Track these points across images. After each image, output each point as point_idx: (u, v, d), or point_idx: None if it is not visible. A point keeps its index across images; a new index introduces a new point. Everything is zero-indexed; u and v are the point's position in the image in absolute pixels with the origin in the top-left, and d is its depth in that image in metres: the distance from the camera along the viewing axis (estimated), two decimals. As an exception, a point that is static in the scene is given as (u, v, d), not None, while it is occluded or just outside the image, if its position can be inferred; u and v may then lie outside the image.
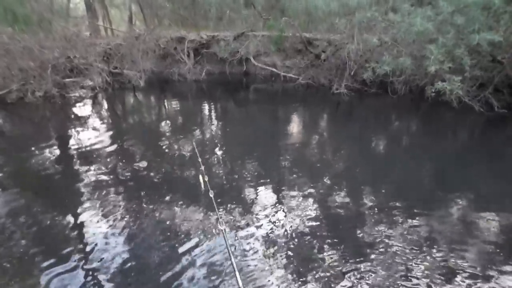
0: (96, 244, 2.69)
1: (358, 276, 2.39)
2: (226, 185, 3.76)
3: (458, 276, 2.41)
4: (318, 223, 3.03)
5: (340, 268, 2.47)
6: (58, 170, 4.04)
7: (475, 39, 5.77)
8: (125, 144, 5.03)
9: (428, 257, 2.59)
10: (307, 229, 2.93)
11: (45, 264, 2.47)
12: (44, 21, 8.87)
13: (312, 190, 3.62)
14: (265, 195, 3.54)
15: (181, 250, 2.64)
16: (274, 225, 2.99)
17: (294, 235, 2.85)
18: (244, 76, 10.95)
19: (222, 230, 1.66)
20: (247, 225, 2.98)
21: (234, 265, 1.42)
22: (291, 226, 2.97)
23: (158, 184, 3.71)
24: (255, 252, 2.63)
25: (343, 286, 2.30)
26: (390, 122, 7.01)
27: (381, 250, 2.67)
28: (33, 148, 4.65)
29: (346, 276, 2.39)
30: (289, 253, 2.64)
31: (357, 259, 2.56)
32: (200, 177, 2.11)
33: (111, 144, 4.94)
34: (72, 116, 6.56)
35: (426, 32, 6.44)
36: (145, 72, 9.02)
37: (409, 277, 2.38)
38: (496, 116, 6.44)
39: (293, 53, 10.79)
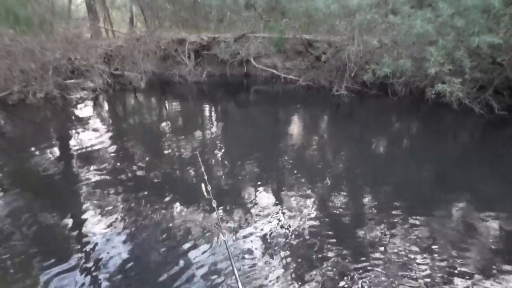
0: (96, 245, 2.70)
1: (358, 277, 2.39)
2: (226, 186, 3.77)
3: (458, 277, 2.41)
4: (318, 224, 3.04)
5: (340, 269, 2.47)
6: (59, 171, 4.05)
7: (475, 41, 5.79)
8: (126, 145, 5.04)
9: (428, 258, 2.59)
10: (307, 230, 2.93)
11: (45, 264, 2.47)
12: (46, 22, 8.90)
13: (312, 191, 3.63)
14: (265, 196, 3.55)
15: (181, 251, 2.65)
16: (275, 226, 2.99)
17: (294, 236, 2.86)
18: (245, 77, 10.97)
19: (222, 233, 1.67)
20: (248, 226, 2.98)
21: (234, 265, 1.42)
22: (291, 227, 2.97)
23: (158, 185, 3.72)
24: (256, 253, 2.64)
25: (343, 287, 2.31)
26: (390, 124, 7.02)
27: (382, 251, 2.67)
28: (34, 149, 4.66)
29: (346, 277, 2.39)
30: (289, 254, 2.64)
31: (357, 260, 2.56)
32: (203, 185, 2.12)
33: (112, 145, 4.95)
34: (73, 117, 6.58)
35: (426, 34, 6.46)
36: (146, 73, 9.04)
37: (410, 278, 2.39)
38: (496, 118, 6.45)
39: (293, 54, 10.81)
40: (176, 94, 9.41)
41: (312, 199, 3.48)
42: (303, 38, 10.15)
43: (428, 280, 2.37)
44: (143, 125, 6.51)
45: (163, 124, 6.46)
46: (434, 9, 6.88)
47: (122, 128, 6.20)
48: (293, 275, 2.41)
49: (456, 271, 2.47)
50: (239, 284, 1.29)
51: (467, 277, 2.42)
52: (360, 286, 2.31)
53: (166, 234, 2.86)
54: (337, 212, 3.27)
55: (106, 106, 7.80)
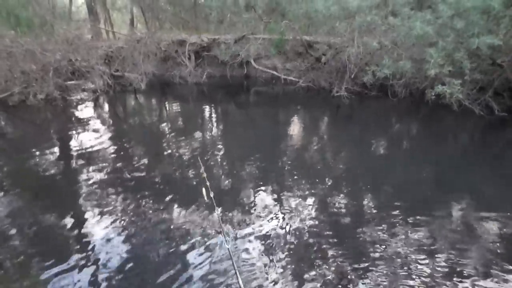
0: (96, 245, 2.70)
1: (359, 278, 2.39)
2: (226, 187, 3.77)
3: (458, 278, 2.41)
4: (319, 225, 3.04)
5: (341, 270, 2.47)
6: (59, 172, 4.05)
7: (475, 42, 5.80)
8: (126, 146, 5.05)
9: (428, 259, 2.59)
10: (308, 231, 2.93)
11: (45, 264, 2.48)
12: (47, 24, 8.95)
13: (312, 192, 3.63)
14: (266, 197, 3.55)
15: (181, 251, 2.65)
16: (275, 227, 2.99)
17: (295, 236, 2.86)
18: (245, 79, 10.99)
19: (224, 233, 1.68)
20: (248, 227, 2.98)
21: (235, 266, 1.43)
22: (292, 228, 2.97)
23: (158, 186, 3.72)
24: (256, 254, 2.64)
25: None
26: (391, 125, 7.02)
27: (382, 252, 2.67)
28: (34, 150, 4.67)
29: (346, 277, 2.39)
30: (290, 254, 2.64)
31: (358, 261, 2.56)
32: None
33: (112, 146, 4.96)
34: (74, 118, 6.59)
35: (426, 35, 6.48)
36: (146, 74, 9.06)
37: (410, 279, 2.38)
38: (497, 119, 6.45)
39: (293, 56, 10.83)
40: (176, 95, 9.43)
41: (312, 200, 3.48)
42: (303, 39, 10.17)
43: (428, 280, 2.37)
44: (143, 126, 6.52)
45: (163, 125, 6.47)
46: (433, 10, 6.90)
47: (122, 129, 6.21)
48: (294, 276, 2.41)
49: (456, 272, 2.47)
50: (241, 283, 1.29)
51: (467, 278, 2.42)
52: (360, 286, 2.31)
53: (166, 234, 2.86)
54: (338, 213, 3.27)
55: (106, 107, 7.81)
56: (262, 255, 2.64)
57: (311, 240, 2.83)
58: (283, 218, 3.15)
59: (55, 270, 2.43)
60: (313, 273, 2.44)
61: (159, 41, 10.04)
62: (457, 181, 4.08)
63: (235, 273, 1.36)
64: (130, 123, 6.78)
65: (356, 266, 2.52)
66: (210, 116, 7.40)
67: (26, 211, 3.19)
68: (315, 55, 10.08)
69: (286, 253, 2.67)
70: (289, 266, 2.52)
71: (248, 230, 2.94)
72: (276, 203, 3.44)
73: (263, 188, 3.75)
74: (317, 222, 3.09)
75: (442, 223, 3.11)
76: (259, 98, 9.43)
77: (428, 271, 2.48)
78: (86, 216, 3.13)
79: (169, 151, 4.91)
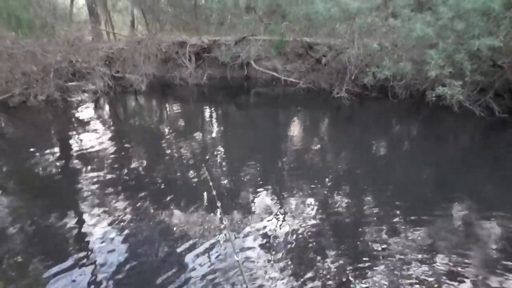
0: (97, 246, 2.70)
1: (360, 279, 2.38)
2: (227, 188, 3.76)
3: (460, 279, 2.40)
4: (320, 226, 3.03)
5: (342, 270, 2.46)
6: (60, 173, 4.05)
7: (475, 44, 5.80)
8: (127, 147, 5.05)
9: (429, 261, 2.58)
10: (309, 232, 2.92)
11: (45, 265, 2.47)
12: (47, 25, 8.98)
13: (313, 194, 3.62)
14: (266, 198, 3.54)
15: (182, 252, 2.64)
16: (275, 229, 2.98)
17: (295, 237, 2.85)
18: (245, 80, 11.00)
19: (228, 235, 1.67)
20: (248, 228, 2.97)
21: (241, 267, 1.42)
22: (292, 229, 2.97)
23: (159, 188, 3.72)
24: (256, 256, 2.63)
25: (345, 291, 2.29)
26: (391, 127, 7.02)
27: (383, 252, 2.66)
28: (35, 151, 4.67)
29: (347, 278, 2.39)
30: (291, 255, 2.64)
31: (359, 262, 2.55)
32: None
33: (113, 147, 4.96)
34: (74, 119, 6.59)
35: (426, 37, 6.48)
36: (147, 76, 9.08)
37: (411, 280, 2.37)
38: (497, 120, 6.44)
39: (294, 57, 10.85)
40: (177, 96, 9.43)
41: (313, 201, 3.47)
42: (303, 41, 10.19)
43: (429, 281, 2.36)
44: (144, 127, 6.52)
45: (164, 126, 6.47)
46: (434, 12, 6.92)
47: (122, 130, 6.21)
48: (295, 276, 2.40)
49: (457, 273, 2.46)
50: (247, 282, 1.29)
51: (468, 279, 2.41)
52: (361, 287, 2.30)
53: (168, 236, 2.85)
54: (338, 214, 3.26)
55: (107, 108, 7.82)
56: (263, 255, 2.63)
57: (312, 241, 2.82)
58: (284, 219, 3.14)
59: (55, 270, 2.42)
60: (314, 273, 2.44)
61: (159, 42, 10.06)
62: (458, 182, 4.07)
63: (241, 274, 1.35)
64: (131, 124, 6.78)
65: (357, 267, 2.51)
66: (211, 117, 7.40)
67: (26, 212, 3.19)
68: (315, 56, 10.09)
69: (287, 253, 2.66)
70: (290, 266, 2.52)
71: (248, 231, 2.94)
72: (276, 204, 3.44)
73: (263, 189, 3.74)
74: (318, 223, 3.08)
75: (442, 224, 3.10)
76: (260, 99, 9.43)
77: (429, 272, 2.47)
78: (86, 216, 3.13)
79: (170, 152, 4.91)
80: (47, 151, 4.74)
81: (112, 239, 2.80)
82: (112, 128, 6.23)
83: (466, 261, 2.61)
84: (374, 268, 2.51)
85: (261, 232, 2.93)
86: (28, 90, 7.14)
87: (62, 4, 14.71)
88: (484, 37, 5.83)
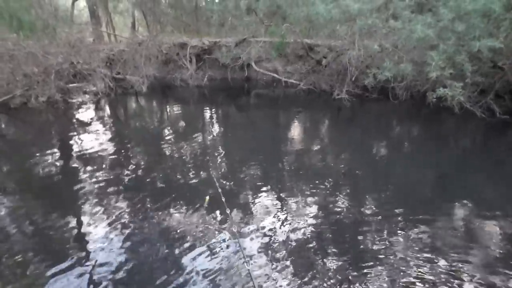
0: (97, 248, 2.69)
1: (360, 280, 2.37)
2: (227, 189, 3.75)
3: (460, 281, 2.39)
4: (320, 228, 3.02)
5: (343, 273, 2.45)
6: (60, 175, 4.05)
7: (476, 45, 5.80)
8: (128, 149, 5.05)
9: (429, 262, 2.57)
10: (309, 235, 2.92)
11: (46, 266, 2.47)
12: (49, 27, 9.00)
13: (314, 196, 3.61)
14: (267, 200, 3.53)
15: (183, 254, 2.64)
16: (276, 230, 2.97)
17: (297, 239, 2.84)
18: (246, 81, 11.02)
19: (236, 236, 1.67)
20: (250, 229, 2.97)
21: (250, 269, 1.41)
22: (294, 231, 2.96)
23: (160, 189, 3.71)
24: (257, 256, 2.62)
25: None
26: (392, 128, 7.01)
27: (384, 255, 2.65)
28: (35, 153, 4.67)
29: (348, 280, 2.38)
30: (292, 256, 2.63)
31: (360, 266, 2.54)
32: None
33: (114, 149, 4.96)
34: (75, 121, 6.60)
35: (426, 38, 6.49)
36: (148, 77, 9.09)
37: (411, 282, 2.37)
38: (498, 122, 6.43)
39: (294, 59, 10.87)
40: (178, 98, 9.45)
41: (314, 203, 3.46)
42: (304, 42, 10.21)
43: (430, 283, 2.35)
44: (145, 129, 6.53)
45: (165, 127, 6.48)
46: (434, 14, 6.92)
47: (123, 132, 6.21)
48: (296, 277, 2.40)
49: (457, 275, 2.45)
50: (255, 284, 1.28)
51: (469, 281, 2.40)
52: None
53: (169, 238, 2.84)
54: (339, 216, 3.25)
55: (107, 110, 7.83)
56: (263, 256, 2.62)
57: (313, 242, 2.81)
58: (285, 220, 3.13)
59: (55, 270, 2.42)
60: (315, 274, 2.43)
61: (160, 44, 10.09)
62: (458, 183, 4.06)
63: (249, 274, 1.34)
64: (131, 125, 6.78)
65: (358, 267, 2.50)
66: (211, 119, 7.41)
67: (26, 212, 3.19)
68: (316, 58, 10.10)
69: (288, 254, 2.65)
70: (292, 267, 2.51)
71: (250, 231, 2.93)
72: (277, 207, 3.43)
73: (264, 191, 3.73)
74: (318, 224, 3.07)
75: (443, 225, 3.09)
76: (260, 100, 9.44)
77: (430, 272, 2.46)
78: (86, 217, 3.12)
79: (170, 153, 4.90)
80: (48, 152, 4.74)
81: (112, 239, 2.79)
82: (113, 129, 6.23)
83: (467, 262, 2.60)
84: (376, 269, 2.50)
85: (263, 233, 2.92)
86: (29, 92, 7.16)
87: (63, 6, 14.76)
88: (484, 39, 5.83)
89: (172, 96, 9.67)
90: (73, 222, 3.06)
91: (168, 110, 8.15)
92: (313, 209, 3.36)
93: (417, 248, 2.75)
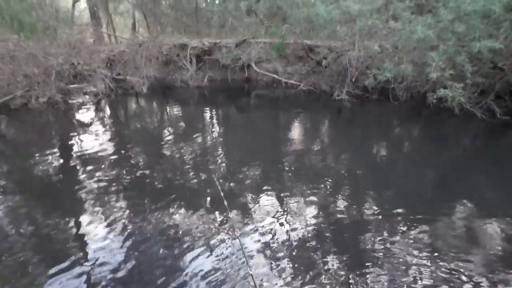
0: (97, 249, 2.68)
1: (360, 281, 2.37)
2: (228, 190, 3.75)
3: (461, 282, 2.38)
4: (320, 229, 3.01)
5: (343, 274, 2.44)
6: (61, 176, 4.05)
7: (476, 46, 5.80)
8: (128, 150, 5.04)
9: (430, 264, 2.56)
10: (310, 235, 2.91)
11: (46, 269, 2.46)
12: (49, 28, 9.02)
13: (314, 197, 3.61)
14: (267, 201, 3.53)
15: (184, 255, 2.64)
16: (276, 231, 2.97)
17: (297, 241, 2.84)
18: (246, 82, 11.02)
19: (236, 236, 1.67)
20: (249, 230, 2.96)
21: (250, 269, 1.41)
22: (294, 232, 2.95)
23: (161, 191, 3.71)
24: (257, 258, 2.61)
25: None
26: (392, 129, 7.01)
27: (384, 256, 2.64)
28: (36, 154, 4.67)
29: (348, 281, 2.37)
30: (292, 259, 2.62)
31: (360, 266, 2.54)
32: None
33: (114, 150, 4.96)
34: (75, 122, 6.60)
35: (427, 39, 6.49)
36: (148, 78, 9.10)
37: (412, 283, 2.36)
38: (498, 122, 6.43)
39: (294, 59, 10.87)
40: (178, 98, 9.45)
41: (314, 204, 3.46)
42: (304, 43, 10.21)
43: (430, 284, 2.35)
44: (145, 129, 6.53)
45: (165, 128, 6.48)
46: (434, 14, 6.93)
47: (123, 133, 6.21)
48: (295, 278, 2.39)
49: (458, 276, 2.44)
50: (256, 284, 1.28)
51: (469, 282, 2.39)
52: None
53: (169, 240, 2.84)
54: (339, 217, 3.25)
55: (108, 110, 7.83)
56: (263, 256, 2.62)
57: (314, 242, 2.81)
58: (285, 221, 3.13)
59: (55, 270, 2.42)
60: (315, 274, 2.43)
61: (160, 45, 10.10)
62: (459, 184, 4.05)
63: (251, 275, 1.34)
64: (132, 126, 6.78)
65: (357, 268, 2.50)
66: (211, 119, 7.41)
67: (26, 212, 3.18)
68: (316, 58, 10.11)
69: (288, 254, 2.65)
70: (290, 267, 2.50)
71: (249, 232, 2.92)
72: (277, 207, 3.42)
73: (264, 192, 3.73)
74: (319, 225, 3.06)
75: (443, 226, 3.09)
76: (260, 101, 9.44)
77: (430, 273, 2.46)
78: (87, 217, 3.12)
79: (170, 154, 4.90)
80: (48, 152, 4.74)
81: (112, 239, 2.79)
82: (113, 130, 6.23)
83: (467, 262, 2.59)
84: (376, 268, 2.50)
85: (263, 233, 2.92)
86: (29, 92, 7.17)
87: (64, 7, 14.80)
88: (484, 39, 5.83)
89: (172, 97, 9.68)
90: (73, 222, 3.05)
91: (168, 111, 8.15)
92: (313, 210, 3.35)
93: (417, 248, 2.74)
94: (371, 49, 7.55)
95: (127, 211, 3.24)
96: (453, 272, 2.49)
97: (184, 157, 4.72)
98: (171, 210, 3.29)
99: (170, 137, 5.80)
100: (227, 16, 13.56)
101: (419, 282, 2.39)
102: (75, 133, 5.80)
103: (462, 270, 2.52)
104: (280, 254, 2.67)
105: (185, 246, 2.74)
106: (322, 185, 3.89)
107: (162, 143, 5.48)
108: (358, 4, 7.79)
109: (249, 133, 6.48)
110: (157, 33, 12.07)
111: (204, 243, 2.77)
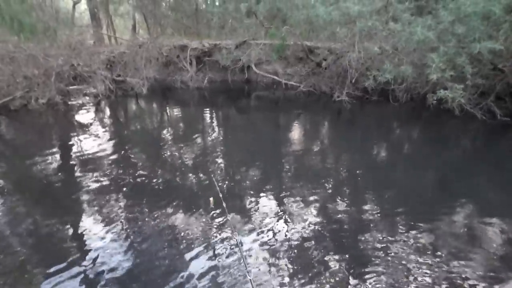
0: (98, 249, 2.67)
1: (360, 281, 2.35)
2: (228, 191, 3.73)
3: (460, 282, 2.37)
4: (321, 230, 3.00)
5: (343, 275, 2.43)
6: (60, 177, 4.03)
7: (476, 47, 5.81)
8: (128, 151, 5.03)
9: (430, 265, 2.55)
10: (309, 236, 2.90)
11: (45, 269, 2.45)
12: (50, 30, 9.02)
13: (314, 198, 3.59)
14: (267, 202, 3.52)
15: (184, 255, 2.62)
16: (277, 232, 2.96)
17: (296, 242, 2.82)
18: (246, 83, 11.03)
19: (236, 236, 1.66)
20: (248, 230, 2.95)
21: (249, 270, 1.40)
22: (294, 233, 2.94)
23: (160, 191, 3.69)
24: (257, 258, 2.60)
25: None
26: (392, 130, 7.00)
27: (384, 258, 2.63)
28: (35, 155, 4.66)
29: (348, 281, 2.35)
30: (292, 260, 2.61)
31: (360, 267, 2.53)
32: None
33: (114, 151, 4.95)
34: (75, 123, 6.59)
35: (427, 40, 6.50)
36: (148, 79, 9.10)
37: (412, 284, 2.34)
38: (499, 124, 6.42)
39: (294, 61, 10.88)
40: (178, 100, 9.45)
41: (314, 205, 3.44)
42: (304, 44, 10.22)
43: (430, 284, 2.33)
44: (145, 131, 6.52)
45: (165, 130, 6.47)
46: (434, 16, 6.94)
47: (123, 134, 6.20)
48: (295, 278, 2.38)
49: (458, 278, 2.43)
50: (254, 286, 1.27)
51: (470, 283, 2.38)
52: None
53: (169, 241, 2.83)
54: (339, 217, 3.23)
55: (108, 112, 7.83)
56: (263, 257, 2.60)
57: (313, 242, 2.80)
58: (285, 221, 3.11)
59: (56, 277, 2.39)
60: (315, 274, 2.42)
61: (160, 46, 10.11)
62: (459, 185, 4.04)
63: (247, 276, 1.33)
64: (132, 127, 6.78)
65: (357, 268, 2.49)
66: (211, 121, 7.40)
67: (26, 215, 3.17)
68: (316, 60, 10.12)
69: (288, 254, 2.64)
70: (290, 267, 2.49)
71: (249, 232, 2.91)
72: (277, 208, 3.41)
73: (264, 193, 3.72)
74: (319, 226, 3.05)
75: (444, 227, 3.08)
76: (260, 102, 9.44)
77: (430, 275, 2.44)
78: (87, 218, 3.11)
79: (170, 155, 4.89)
80: (48, 153, 4.73)
81: (112, 240, 2.78)
82: (113, 131, 6.22)
83: (468, 263, 2.58)
84: (376, 269, 2.49)
85: (263, 234, 2.90)
86: (29, 94, 7.16)
87: (64, 8, 14.84)
88: (484, 41, 5.84)
89: (172, 98, 9.68)
90: (72, 223, 3.04)
91: (168, 112, 8.15)
92: (313, 210, 3.34)
93: (417, 249, 2.73)
94: (371, 50, 7.55)
95: (127, 212, 3.23)
96: (453, 272, 2.48)
97: (184, 158, 4.71)
98: (171, 210, 3.28)
99: (170, 138, 5.79)
100: (227, 18, 13.58)
101: (419, 282, 2.37)
102: (75, 134, 5.79)
103: (462, 270, 2.50)
104: (280, 254, 2.66)
105: (184, 246, 2.73)
106: (322, 186, 3.88)
107: (162, 144, 5.47)
108: (358, 6, 7.80)
109: (249, 134, 6.47)
110: (157, 35, 12.08)
111: (203, 243, 2.76)
